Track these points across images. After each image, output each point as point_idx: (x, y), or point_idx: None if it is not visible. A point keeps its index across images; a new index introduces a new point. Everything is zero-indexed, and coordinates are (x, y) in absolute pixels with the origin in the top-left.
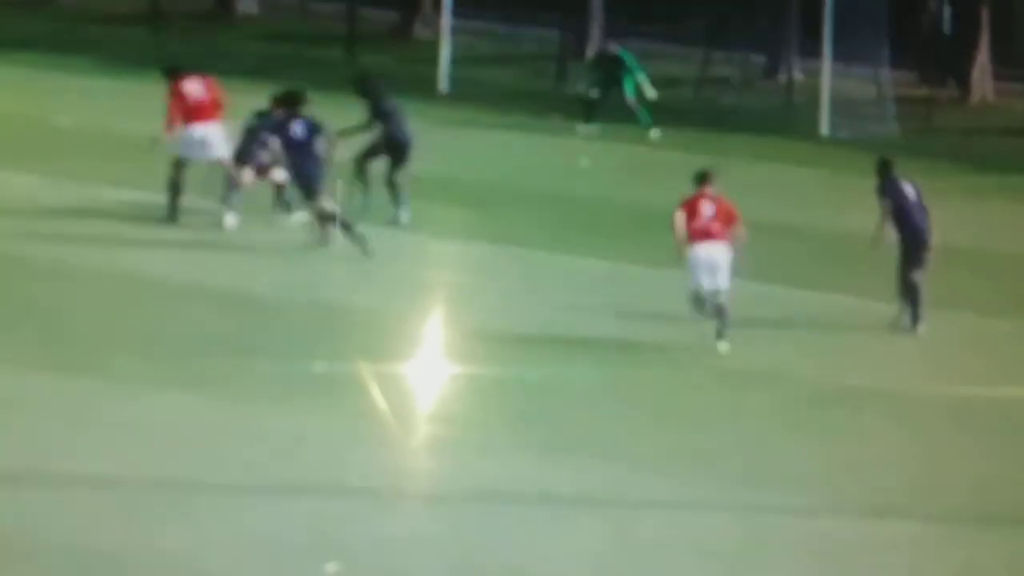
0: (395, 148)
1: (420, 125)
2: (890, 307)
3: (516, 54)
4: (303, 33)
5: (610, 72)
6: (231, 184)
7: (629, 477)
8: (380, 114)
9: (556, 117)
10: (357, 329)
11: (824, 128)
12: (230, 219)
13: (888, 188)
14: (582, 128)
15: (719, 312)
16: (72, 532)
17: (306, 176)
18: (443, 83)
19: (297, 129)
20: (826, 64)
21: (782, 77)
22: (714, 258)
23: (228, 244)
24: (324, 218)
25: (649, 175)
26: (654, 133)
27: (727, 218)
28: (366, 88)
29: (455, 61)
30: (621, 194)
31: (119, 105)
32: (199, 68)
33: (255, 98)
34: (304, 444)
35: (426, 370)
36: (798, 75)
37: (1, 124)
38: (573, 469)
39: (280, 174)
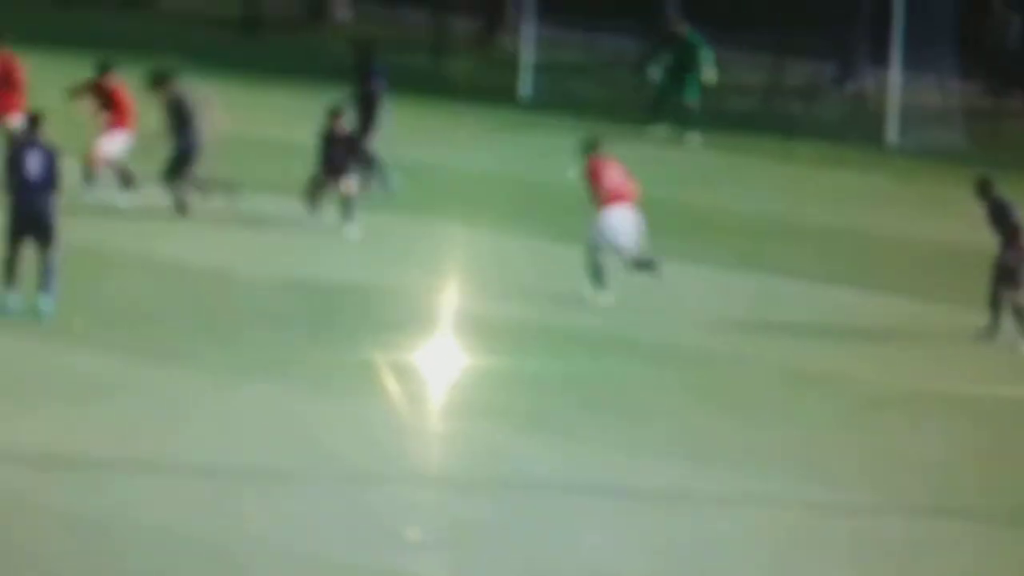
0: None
1: (500, 131)
2: (939, 309)
3: (595, 62)
4: (391, 40)
5: (679, 58)
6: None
7: (694, 472)
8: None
9: (630, 123)
10: (436, 320)
11: (892, 137)
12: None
13: (998, 209)
14: (652, 129)
15: (642, 264)
16: (169, 517)
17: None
18: (524, 89)
19: None
20: (895, 73)
21: (851, 86)
22: (629, 220)
23: (312, 238)
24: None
25: (716, 179)
26: (693, 138)
27: (631, 181)
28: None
29: (537, 69)
30: (691, 198)
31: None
32: (293, 72)
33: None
34: (383, 431)
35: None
36: (867, 84)
37: None
38: (646, 464)
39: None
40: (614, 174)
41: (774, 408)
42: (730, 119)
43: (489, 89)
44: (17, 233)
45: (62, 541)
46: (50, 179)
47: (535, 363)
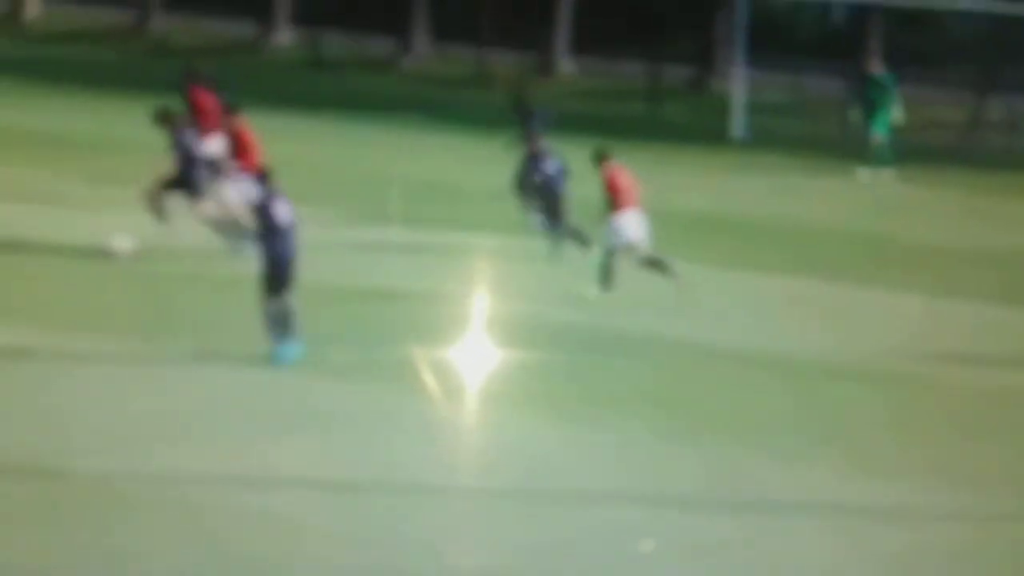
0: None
1: (713, 171)
2: None
3: (803, 102)
4: (609, 89)
5: (872, 97)
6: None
7: (912, 488)
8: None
9: (839, 160)
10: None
11: None
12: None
13: None
14: (862, 173)
15: (653, 263)
16: (431, 534)
17: None
18: (736, 130)
19: None
20: None
21: None
22: (640, 222)
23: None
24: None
25: (908, 210)
26: (880, 174)
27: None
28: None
29: (747, 110)
30: (900, 231)
31: (459, 158)
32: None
33: (570, 152)
34: (605, 453)
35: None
36: None
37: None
38: (863, 482)
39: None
40: (626, 181)
41: (989, 426)
42: (929, 153)
43: (702, 131)
44: (283, 282)
45: (338, 558)
46: (295, 227)
47: (774, 395)
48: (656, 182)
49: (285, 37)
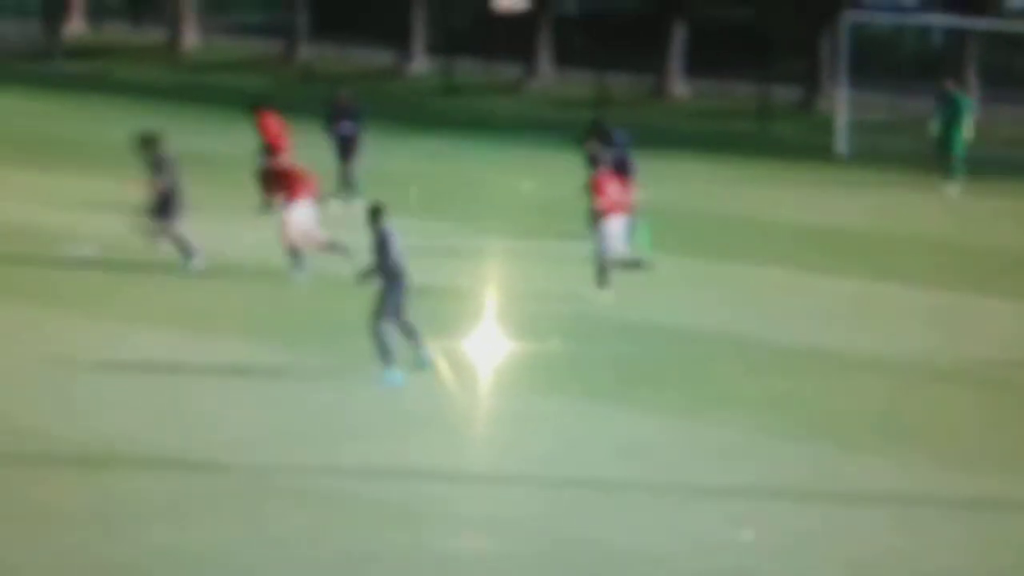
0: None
1: (819, 185)
2: None
3: (902, 120)
4: (720, 110)
5: (948, 115)
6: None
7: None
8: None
9: (934, 175)
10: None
11: None
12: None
13: None
14: (950, 188)
15: (629, 264)
16: (565, 524)
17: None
18: (840, 147)
19: None
20: None
21: None
22: (623, 227)
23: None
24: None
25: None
26: (953, 188)
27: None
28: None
29: (851, 128)
30: (992, 241)
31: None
32: (639, 143)
33: (685, 169)
34: (709, 446)
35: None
36: None
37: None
38: (954, 475)
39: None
40: (613, 187)
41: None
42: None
43: (809, 148)
44: (395, 311)
45: (474, 542)
46: (407, 258)
47: (872, 394)
48: (765, 195)
49: (421, 64)
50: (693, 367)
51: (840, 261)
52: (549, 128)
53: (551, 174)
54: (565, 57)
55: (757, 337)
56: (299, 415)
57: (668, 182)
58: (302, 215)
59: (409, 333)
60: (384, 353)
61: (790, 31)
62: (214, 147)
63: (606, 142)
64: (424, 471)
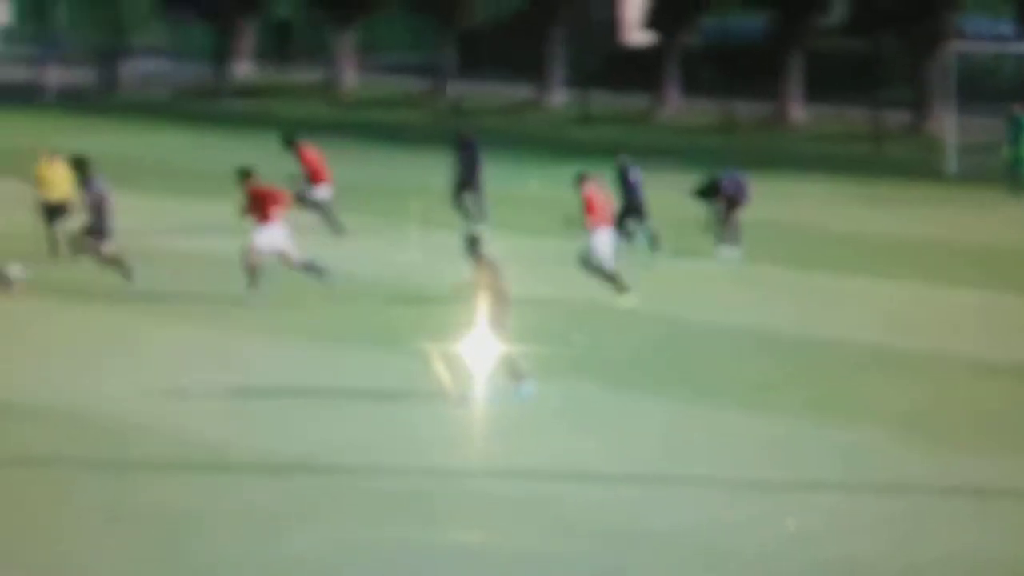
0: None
1: (929, 203)
2: None
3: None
4: (836, 133)
5: (1012, 134)
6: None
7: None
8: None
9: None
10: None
11: None
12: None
13: None
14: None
15: (612, 276)
16: (680, 523)
17: None
18: (949, 167)
19: None
20: None
21: None
22: (611, 239)
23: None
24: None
25: None
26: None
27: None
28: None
29: (959, 149)
30: None
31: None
32: (763, 164)
33: (804, 188)
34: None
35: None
36: None
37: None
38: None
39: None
40: (602, 200)
41: None
42: None
43: (919, 168)
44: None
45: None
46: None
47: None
48: (879, 213)
49: (558, 97)
50: (824, 373)
51: (959, 273)
52: (678, 154)
53: (673, 195)
54: (691, 87)
55: (890, 345)
56: (425, 424)
57: (789, 200)
58: (274, 237)
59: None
60: (515, 370)
61: (899, 60)
62: (369, 177)
63: (623, 180)
64: (587, 472)
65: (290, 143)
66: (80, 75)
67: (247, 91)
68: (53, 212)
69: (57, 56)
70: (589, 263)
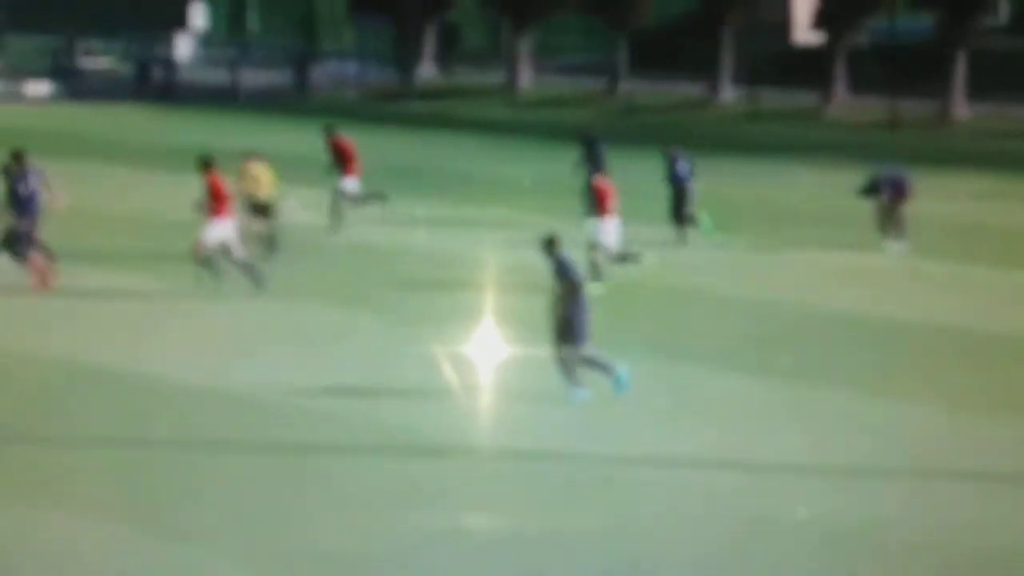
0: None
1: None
2: None
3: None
4: (1002, 131)
5: None
6: None
7: None
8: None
9: None
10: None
11: None
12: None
13: None
14: None
15: (622, 257)
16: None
17: None
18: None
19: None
20: None
21: None
22: (618, 226)
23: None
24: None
25: None
26: None
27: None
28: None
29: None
30: None
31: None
32: (927, 161)
33: (968, 185)
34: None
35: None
36: None
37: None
38: None
39: None
40: (612, 191)
41: None
42: None
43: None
44: (575, 335)
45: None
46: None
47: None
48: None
49: (729, 95)
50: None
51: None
52: (844, 150)
53: (837, 190)
54: (858, 85)
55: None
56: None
57: (952, 196)
58: (224, 231)
59: (593, 360)
60: (570, 374)
61: None
62: (545, 173)
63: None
64: (685, 458)
65: (327, 133)
66: (273, 77)
67: (429, 93)
68: (260, 210)
69: (251, 60)
70: (594, 246)
